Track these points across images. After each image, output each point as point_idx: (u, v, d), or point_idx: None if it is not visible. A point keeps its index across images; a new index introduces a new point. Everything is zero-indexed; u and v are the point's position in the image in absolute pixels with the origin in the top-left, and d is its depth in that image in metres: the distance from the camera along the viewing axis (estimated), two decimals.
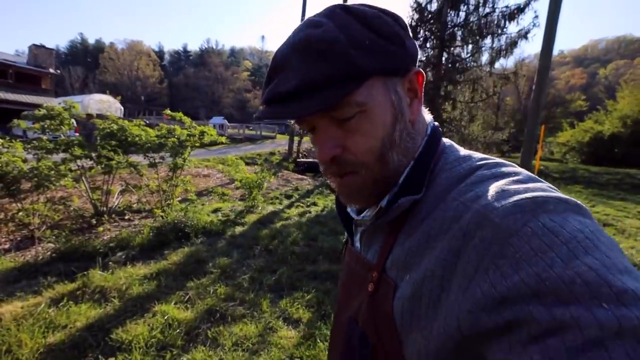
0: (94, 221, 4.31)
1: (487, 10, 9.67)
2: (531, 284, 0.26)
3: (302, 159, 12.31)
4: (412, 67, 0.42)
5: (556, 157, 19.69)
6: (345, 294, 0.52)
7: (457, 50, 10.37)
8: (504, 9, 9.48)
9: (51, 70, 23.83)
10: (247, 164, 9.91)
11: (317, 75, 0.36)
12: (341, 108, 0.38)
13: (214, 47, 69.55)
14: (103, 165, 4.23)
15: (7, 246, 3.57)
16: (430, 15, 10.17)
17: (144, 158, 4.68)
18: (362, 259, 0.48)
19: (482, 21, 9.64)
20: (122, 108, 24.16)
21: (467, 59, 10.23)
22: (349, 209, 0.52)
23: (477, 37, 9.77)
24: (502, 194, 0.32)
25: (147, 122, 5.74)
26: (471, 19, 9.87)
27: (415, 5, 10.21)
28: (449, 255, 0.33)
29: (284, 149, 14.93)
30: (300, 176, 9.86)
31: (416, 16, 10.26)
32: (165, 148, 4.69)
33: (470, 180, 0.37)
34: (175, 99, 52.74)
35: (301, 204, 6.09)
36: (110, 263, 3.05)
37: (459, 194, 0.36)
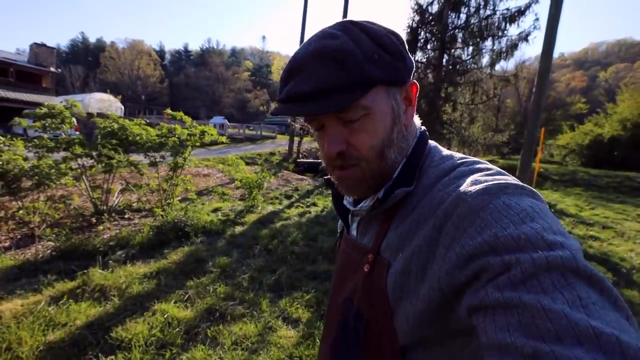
0: (94, 220, 4.31)
1: (488, 12, 9.67)
2: (490, 241, 0.34)
3: (302, 159, 12.32)
4: (409, 79, 0.49)
5: (556, 159, 19.69)
6: (340, 278, 0.57)
7: (458, 52, 10.35)
8: (505, 12, 9.48)
9: (52, 69, 23.84)
10: (247, 163, 9.92)
11: (332, 80, 0.41)
12: (350, 110, 0.44)
13: (215, 47, 69.59)
14: (103, 164, 4.24)
15: (7, 244, 3.57)
16: (431, 17, 10.17)
17: (145, 157, 4.69)
18: (358, 244, 0.54)
19: (483, 23, 9.63)
20: (123, 107, 24.14)
21: (468, 61, 10.23)
22: (345, 202, 0.58)
23: (478, 39, 9.76)
24: (475, 183, 0.40)
25: (148, 121, 5.74)
26: (472, 21, 9.87)
27: (416, 7, 10.21)
28: (433, 232, 0.40)
29: (284, 149, 14.94)
30: (300, 176, 9.86)
31: (417, 18, 10.26)
32: (166, 147, 4.70)
33: (452, 175, 0.45)
34: (176, 98, 52.74)
35: (301, 204, 6.10)
36: (110, 262, 3.05)
37: (443, 186, 0.43)
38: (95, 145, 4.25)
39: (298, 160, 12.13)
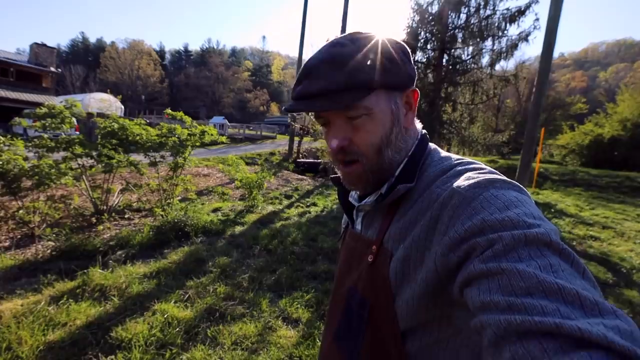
0: (94, 220, 4.31)
1: (488, 12, 9.65)
2: (478, 225, 0.38)
3: (302, 159, 12.32)
4: (410, 86, 0.54)
5: (556, 159, 19.66)
6: (345, 269, 0.62)
7: (458, 52, 10.34)
8: (505, 12, 9.46)
9: (52, 69, 23.82)
10: (247, 163, 9.92)
11: (337, 83, 0.47)
12: (353, 109, 0.49)
13: (215, 47, 69.47)
14: (103, 164, 4.23)
15: (7, 244, 3.57)
16: (431, 17, 10.16)
17: (145, 157, 4.69)
18: (362, 237, 0.58)
19: (483, 23, 9.61)
20: (123, 107, 24.10)
21: (468, 61, 10.21)
22: (350, 198, 0.63)
23: (478, 39, 9.74)
24: (468, 179, 0.45)
25: (148, 121, 5.75)
26: (472, 21, 9.85)
27: (416, 7, 10.20)
28: (430, 222, 0.45)
29: (284, 149, 14.94)
30: (300, 176, 9.86)
31: (417, 17, 10.24)
32: (166, 147, 4.70)
33: (449, 173, 0.49)
34: (176, 98, 52.73)
35: (301, 204, 6.10)
36: (110, 261, 3.05)
37: (441, 183, 0.48)
38: (95, 145, 4.25)
39: (298, 160, 12.13)
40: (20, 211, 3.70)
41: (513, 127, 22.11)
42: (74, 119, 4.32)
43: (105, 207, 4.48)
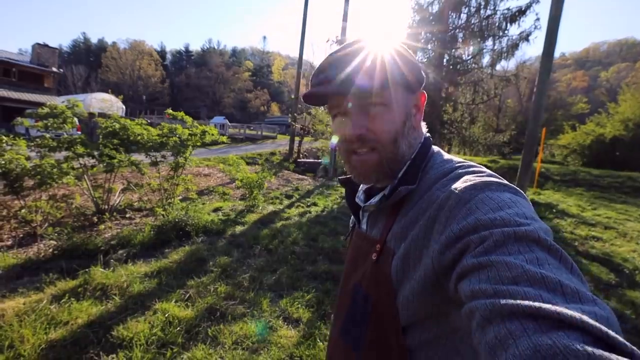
0: (95, 219, 4.33)
1: (489, 12, 9.65)
2: (472, 224, 0.41)
3: (303, 159, 12.33)
4: (419, 89, 0.59)
5: (557, 159, 19.61)
6: (351, 267, 0.65)
7: (458, 52, 10.35)
8: (505, 11, 9.45)
9: (54, 69, 23.90)
10: (248, 163, 9.93)
11: (356, 71, 0.52)
12: (376, 95, 0.53)
13: (216, 47, 69.51)
14: (105, 164, 4.24)
15: (9, 243, 3.58)
16: (431, 17, 10.16)
17: (146, 157, 4.70)
18: (367, 236, 0.61)
19: (484, 23, 9.61)
20: (124, 107, 24.16)
21: (468, 61, 10.21)
22: (357, 199, 0.66)
23: (478, 39, 9.75)
24: (466, 181, 0.47)
25: (149, 121, 5.76)
26: (472, 21, 9.85)
27: (416, 7, 10.21)
28: (429, 222, 0.47)
29: (284, 149, 14.95)
30: (300, 176, 9.87)
31: (417, 17, 10.25)
32: (167, 147, 4.70)
33: (450, 176, 0.51)
34: (177, 98, 52.81)
35: (301, 204, 6.10)
36: (112, 261, 3.06)
37: (442, 185, 0.50)
38: (97, 145, 4.26)
39: (298, 160, 12.14)
40: (23, 210, 3.71)
41: (514, 127, 22.04)
42: (75, 119, 4.33)
43: (106, 207, 4.49)
